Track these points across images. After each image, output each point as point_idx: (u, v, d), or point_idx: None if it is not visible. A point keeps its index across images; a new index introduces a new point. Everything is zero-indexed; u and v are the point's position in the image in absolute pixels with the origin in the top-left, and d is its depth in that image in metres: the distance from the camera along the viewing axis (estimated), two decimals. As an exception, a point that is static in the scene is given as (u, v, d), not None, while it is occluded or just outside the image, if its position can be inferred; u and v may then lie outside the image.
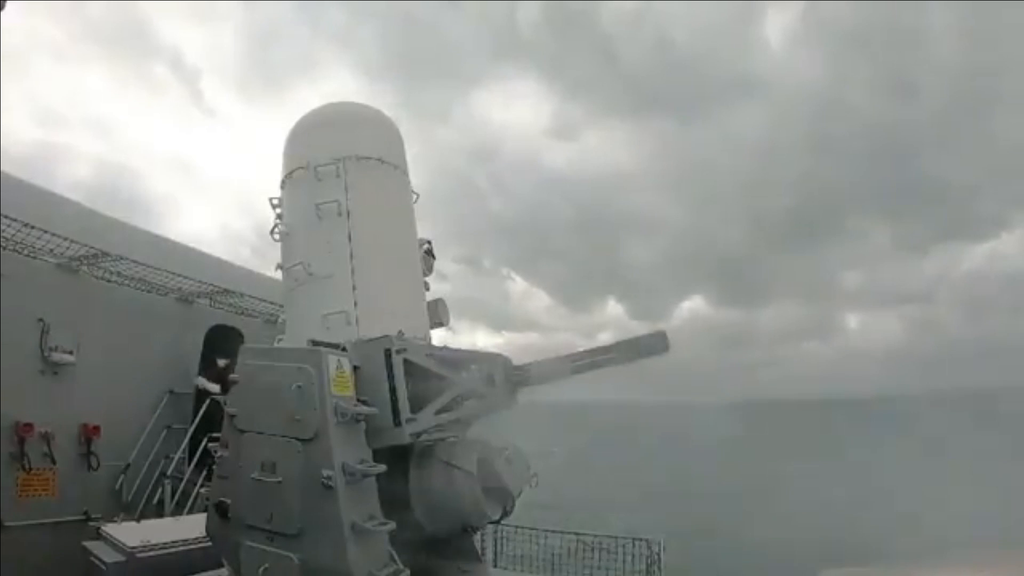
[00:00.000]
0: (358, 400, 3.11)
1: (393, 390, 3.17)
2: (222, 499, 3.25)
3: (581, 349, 3.71)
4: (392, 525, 3.01)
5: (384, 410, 3.15)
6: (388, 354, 3.20)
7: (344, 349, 3.22)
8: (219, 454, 3.34)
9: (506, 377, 3.42)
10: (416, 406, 3.23)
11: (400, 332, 3.34)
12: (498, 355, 3.46)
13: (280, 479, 2.99)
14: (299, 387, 2.99)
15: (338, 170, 3.80)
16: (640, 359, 3.56)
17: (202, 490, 7.46)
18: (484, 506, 3.35)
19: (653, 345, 3.49)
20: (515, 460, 3.42)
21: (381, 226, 3.89)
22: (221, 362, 8.32)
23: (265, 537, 3.03)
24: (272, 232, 4.06)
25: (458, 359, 3.57)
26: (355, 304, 3.57)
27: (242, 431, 3.20)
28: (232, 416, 3.27)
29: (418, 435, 3.24)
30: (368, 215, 3.80)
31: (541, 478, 3.40)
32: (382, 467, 3.05)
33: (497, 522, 3.95)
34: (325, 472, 2.88)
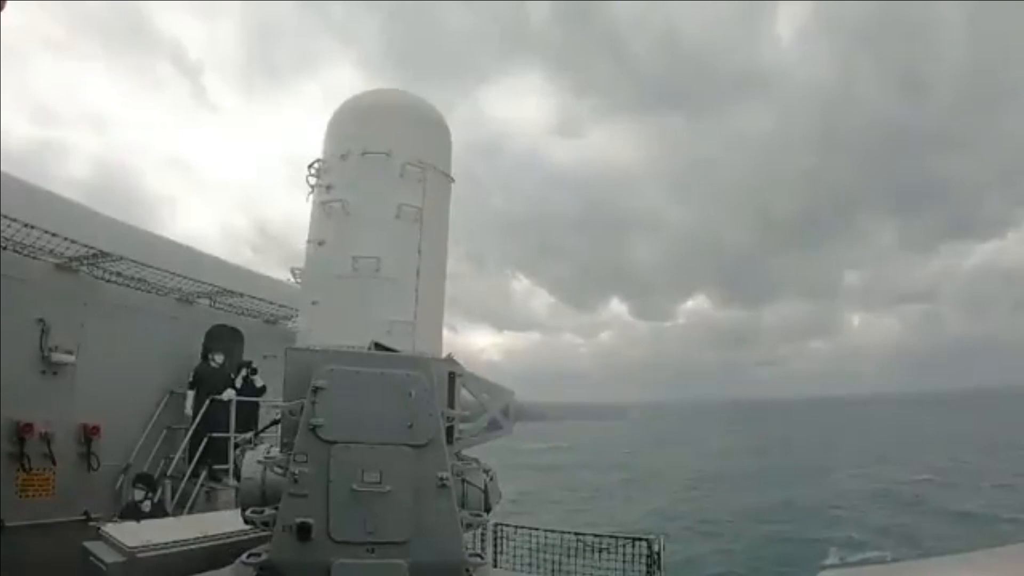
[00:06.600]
0: None
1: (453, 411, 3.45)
2: (304, 520, 2.96)
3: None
4: (487, 517, 3.40)
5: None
6: (453, 377, 3.43)
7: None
8: (296, 471, 3.02)
9: (515, 411, 3.78)
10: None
11: (450, 355, 3.57)
12: (510, 391, 3.81)
13: (389, 488, 3.03)
14: (411, 394, 3.13)
15: (422, 175, 3.83)
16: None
17: (203, 489, 7.48)
18: (480, 520, 3.60)
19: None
20: (495, 480, 3.66)
21: (439, 241, 4.01)
22: (217, 358, 8.33)
23: (365, 550, 2.98)
24: (325, 205, 3.83)
25: (491, 390, 3.82)
26: (415, 315, 3.67)
27: (330, 442, 3.03)
28: (315, 427, 3.03)
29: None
30: (433, 228, 3.90)
31: None
32: (474, 464, 3.52)
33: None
34: (440, 474, 3.10)
